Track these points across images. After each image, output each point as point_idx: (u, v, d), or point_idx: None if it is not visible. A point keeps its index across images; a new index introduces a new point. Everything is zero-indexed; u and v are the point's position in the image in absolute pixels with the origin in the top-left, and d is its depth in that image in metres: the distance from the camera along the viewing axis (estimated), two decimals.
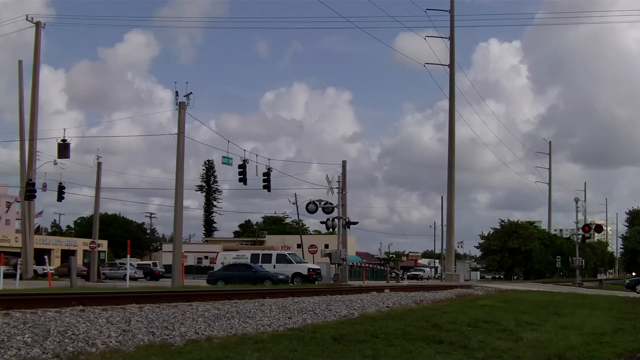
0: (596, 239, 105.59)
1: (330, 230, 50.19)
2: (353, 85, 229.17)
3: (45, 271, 39.88)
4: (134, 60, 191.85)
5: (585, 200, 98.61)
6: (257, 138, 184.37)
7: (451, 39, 53.91)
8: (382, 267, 75.48)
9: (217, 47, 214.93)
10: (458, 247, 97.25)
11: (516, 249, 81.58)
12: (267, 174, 38.53)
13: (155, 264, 65.21)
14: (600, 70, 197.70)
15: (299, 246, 75.46)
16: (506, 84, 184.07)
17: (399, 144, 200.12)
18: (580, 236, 60.45)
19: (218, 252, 55.15)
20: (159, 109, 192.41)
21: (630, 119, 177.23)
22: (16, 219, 78.20)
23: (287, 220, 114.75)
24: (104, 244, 73.28)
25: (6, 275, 31.38)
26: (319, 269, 42.30)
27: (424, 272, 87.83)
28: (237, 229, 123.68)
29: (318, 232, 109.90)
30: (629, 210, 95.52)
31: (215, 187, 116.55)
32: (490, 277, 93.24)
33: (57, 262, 67.25)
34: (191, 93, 37.71)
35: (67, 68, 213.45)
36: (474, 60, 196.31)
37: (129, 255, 36.40)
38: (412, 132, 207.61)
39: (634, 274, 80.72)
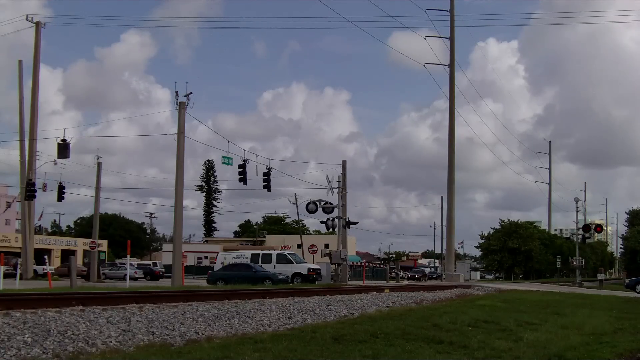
0: (596, 239, 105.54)
1: (330, 230, 50.13)
2: (351, 85, 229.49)
3: (45, 271, 39.88)
4: (131, 60, 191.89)
5: (585, 200, 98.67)
6: (255, 138, 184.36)
7: (451, 39, 53.90)
8: (382, 266, 75.47)
9: (214, 47, 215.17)
10: (458, 247, 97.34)
11: (516, 249, 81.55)
12: (267, 174, 38.50)
13: (155, 264, 65.15)
14: (597, 70, 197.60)
15: (299, 246, 75.45)
16: (503, 84, 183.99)
17: (397, 144, 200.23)
18: (580, 236, 60.46)
19: (218, 252, 55.11)
20: (156, 109, 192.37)
21: (627, 119, 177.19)
22: (16, 219, 78.18)
23: (287, 220, 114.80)
24: (104, 244, 73.23)
25: (6, 275, 31.39)
26: (319, 269, 42.25)
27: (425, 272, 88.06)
28: (237, 229, 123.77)
29: (318, 232, 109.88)
30: (629, 210, 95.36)
31: (215, 187, 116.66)
32: (491, 277, 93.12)
33: (57, 262, 67.18)
34: (191, 93, 37.75)
35: (64, 68, 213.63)
36: (472, 60, 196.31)
37: (129, 255, 36.39)
38: (409, 132, 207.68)
39: (626, 274, 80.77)
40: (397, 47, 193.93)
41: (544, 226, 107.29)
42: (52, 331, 8.53)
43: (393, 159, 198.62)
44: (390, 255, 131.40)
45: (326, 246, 62.14)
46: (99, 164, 51.82)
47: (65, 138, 38.63)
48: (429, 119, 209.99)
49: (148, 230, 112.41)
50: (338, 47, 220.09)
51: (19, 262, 38.81)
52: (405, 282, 53.79)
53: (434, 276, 78.07)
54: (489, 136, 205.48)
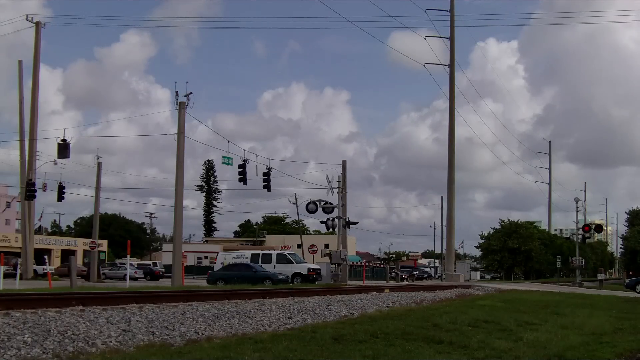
0: (596, 239, 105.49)
1: (330, 230, 50.17)
2: (350, 85, 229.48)
3: (45, 271, 39.89)
4: (131, 60, 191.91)
5: (585, 200, 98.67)
6: (255, 138, 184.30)
7: (451, 39, 53.86)
8: (382, 266, 75.30)
9: (213, 47, 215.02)
10: (458, 247, 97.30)
11: (516, 249, 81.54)
12: (267, 174, 38.51)
13: (155, 264, 65.17)
14: (597, 70, 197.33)
15: (299, 246, 75.44)
16: (503, 84, 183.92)
17: (396, 144, 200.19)
18: (580, 236, 60.46)
19: (218, 252, 55.13)
20: (156, 109, 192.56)
21: (627, 118, 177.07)
22: (16, 219, 78.18)
23: (287, 220, 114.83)
24: (104, 244, 73.23)
25: (6, 275, 31.40)
26: (319, 269, 42.26)
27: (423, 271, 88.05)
28: (237, 229, 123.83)
29: (318, 232, 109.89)
30: (629, 210, 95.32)
31: (215, 187, 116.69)
32: (489, 277, 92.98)
33: (57, 262, 67.19)
34: (191, 93, 37.76)
35: (64, 68, 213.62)
36: (472, 59, 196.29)
37: (129, 255, 36.41)
38: (409, 132, 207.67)
39: (631, 273, 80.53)
40: (396, 47, 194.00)
41: (544, 226, 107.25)
42: (52, 331, 8.53)
43: (393, 158, 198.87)
44: (391, 256, 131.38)
45: (326, 246, 62.16)
46: (99, 164, 51.87)
47: (65, 138, 38.66)
48: (428, 118, 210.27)
49: (148, 230, 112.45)
50: (338, 47, 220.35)
51: (19, 262, 38.82)
52: (405, 282, 53.78)
53: (424, 276, 77.39)
54: (489, 136, 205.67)
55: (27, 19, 48.89)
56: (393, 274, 61.00)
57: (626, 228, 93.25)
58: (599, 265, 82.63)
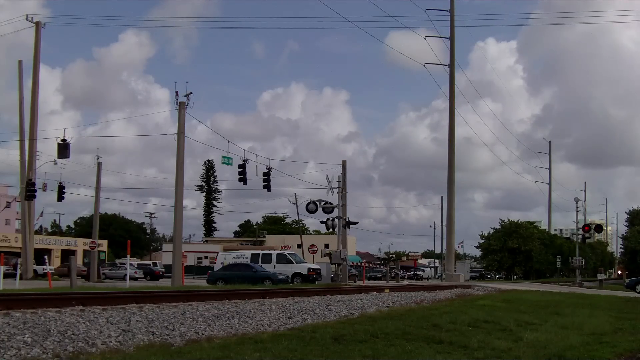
0: (596, 239, 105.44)
1: (330, 230, 50.15)
2: (350, 85, 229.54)
3: (45, 271, 39.89)
4: (130, 60, 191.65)
5: (585, 200, 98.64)
6: (254, 138, 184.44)
7: (451, 38, 53.77)
8: (382, 267, 75.20)
9: (213, 48, 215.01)
10: (458, 247, 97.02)
11: (516, 249, 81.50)
12: (267, 174, 38.51)
13: (155, 264, 65.17)
14: (595, 70, 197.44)
15: (299, 246, 75.42)
16: (502, 84, 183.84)
17: (395, 144, 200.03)
18: (580, 236, 60.44)
19: (218, 252, 55.14)
20: (155, 109, 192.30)
21: (625, 118, 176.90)
22: (16, 219, 78.19)
23: (287, 220, 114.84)
24: (104, 244, 73.24)
25: (6, 275, 31.42)
26: (319, 269, 42.26)
27: (424, 272, 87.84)
28: (237, 229, 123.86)
29: (318, 232, 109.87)
30: (629, 210, 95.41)
31: (215, 187, 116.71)
32: (477, 275, 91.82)
33: (57, 262, 67.21)
34: (191, 93, 37.79)
35: (63, 68, 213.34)
36: (471, 59, 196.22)
37: (129, 255, 36.41)
38: (408, 132, 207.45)
39: (619, 272, 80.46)
40: (396, 47, 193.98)
41: (543, 226, 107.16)
42: (52, 331, 8.53)
43: (392, 158, 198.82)
44: (391, 256, 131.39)
45: (326, 246, 62.13)
46: (99, 164, 51.86)
47: (65, 138, 38.67)
48: (427, 118, 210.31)
49: (148, 230, 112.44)
50: (337, 47, 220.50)
51: (19, 262, 38.82)
52: (405, 282, 53.78)
53: (378, 275, 76.86)
54: (488, 136, 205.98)
55: (27, 19, 48.89)
56: (392, 274, 61.03)
57: (626, 228, 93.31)
58: (599, 265, 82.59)
